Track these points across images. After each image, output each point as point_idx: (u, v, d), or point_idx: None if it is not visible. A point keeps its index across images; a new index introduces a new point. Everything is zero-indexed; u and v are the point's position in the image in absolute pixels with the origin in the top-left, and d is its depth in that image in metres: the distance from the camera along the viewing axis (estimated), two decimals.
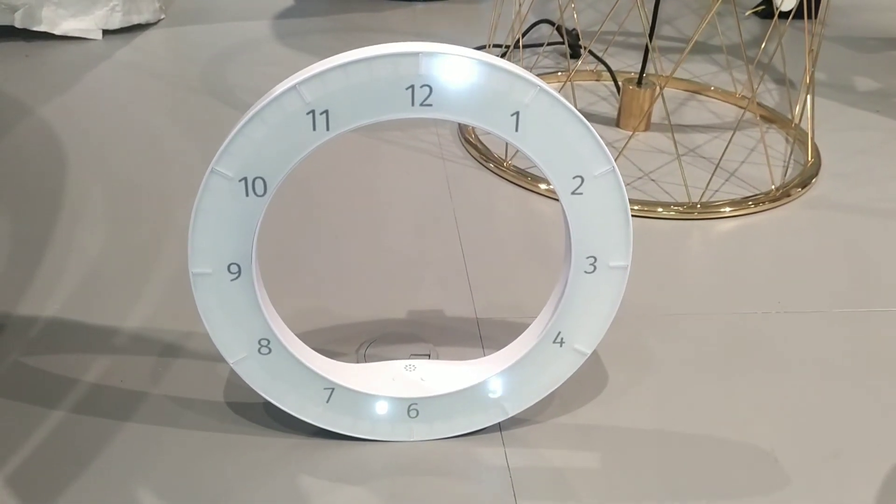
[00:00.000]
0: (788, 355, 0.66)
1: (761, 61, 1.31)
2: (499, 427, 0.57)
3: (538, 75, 1.19)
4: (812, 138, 0.97)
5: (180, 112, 1.04)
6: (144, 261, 0.73)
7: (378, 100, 0.45)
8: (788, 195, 0.89)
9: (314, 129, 0.46)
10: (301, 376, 0.53)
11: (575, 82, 1.19)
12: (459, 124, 1.01)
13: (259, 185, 0.47)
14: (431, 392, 0.55)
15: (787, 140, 1.04)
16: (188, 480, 0.52)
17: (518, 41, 1.12)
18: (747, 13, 1.54)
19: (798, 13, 1.35)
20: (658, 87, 1.01)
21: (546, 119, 0.47)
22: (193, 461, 0.53)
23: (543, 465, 0.55)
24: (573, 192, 0.49)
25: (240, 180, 0.46)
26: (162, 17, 1.35)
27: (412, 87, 0.45)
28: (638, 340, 0.67)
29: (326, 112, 0.45)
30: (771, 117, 1.09)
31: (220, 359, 0.52)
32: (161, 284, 0.70)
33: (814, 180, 0.93)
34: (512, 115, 0.47)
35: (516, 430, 0.57)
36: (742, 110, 1.13)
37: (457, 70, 0.45)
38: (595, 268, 0.51)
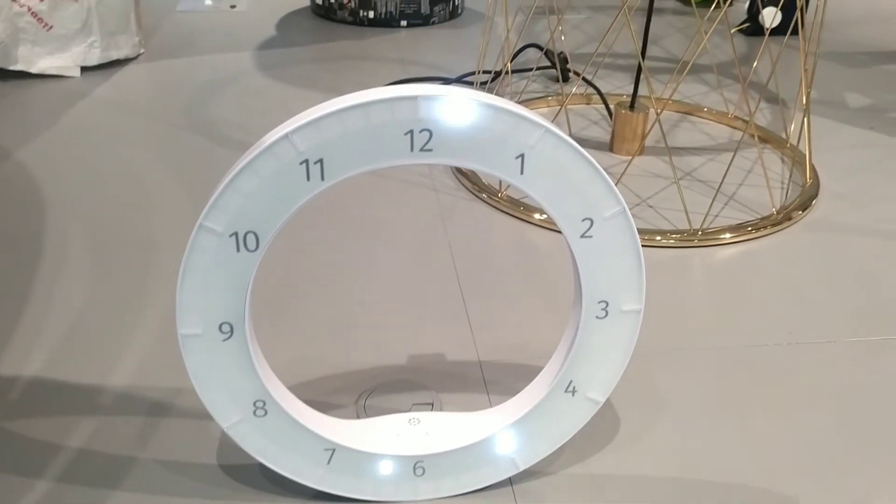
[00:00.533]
0: (805, 389, 0.63)
1: (752, 80, 1.30)
2: (509, 481, 0.54)
3: (528, 101, 1.17)
4: (810, 159, 0.96)
5: (164, 150, 1.01)
6: (130, 312, 0.70)
7: (375, 146, 0.43)
8: (790, 218, 0.87)
9: (308, 178, 0.43)
10: (300, 438, 0.50)
11: (570, 105, 1.17)
12: None
13: (251, 240, 0.44)
14: (438, 448, 0.52)
15: (782, 160, 1.02)
16: None
17: (507, 66, 1.10)
18: (732, 31, 1.53)
19: (782, 28, 1.34)
20: (655, 112, 1.00)
21: (552, 160, 0.44)
22: None
23: None
24: (582, 236, 0.46)
25: (230, 235, 0.44)
26: (142, 51, 1.32)
27: (411, 132, 0.43)
28: (647, 379, 0.64)
29: (321, 161, 0.43)
30: (765, 137, 1.07)
31: (211, 417, 0.49)
32: (148, 338, 0.67)
33: (814, 202, 0.91)
34: (517, 157, 0.44)
35: (527, 484, 0.54)
36: (734, 130, 1.11)
37: (457, 113, 0.43)
38: (607, 313, 0.49)
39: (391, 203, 0.90)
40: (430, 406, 0.60)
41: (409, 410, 0.57)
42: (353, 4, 1.46)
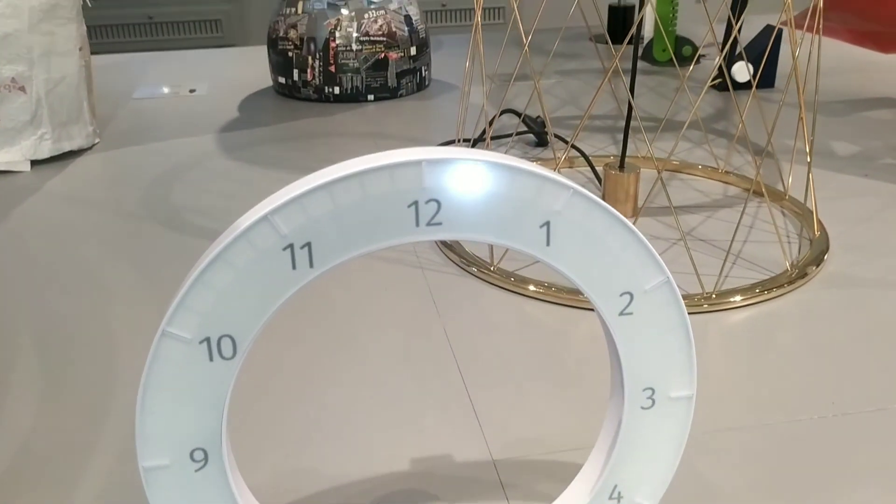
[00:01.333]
0: (863, 467, 0.56)
1: (732, 133, 1.26)
2: None
3: None
4: (816, 212, 0.90)
5: (122, 244, 0.93)
6: (86, 435, 0.61)
7: (374, 223, 0.36)
8: (805, 275, 0.81)
9: (294, 267, 0.36)
10: None
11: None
12: None
13: (227, 346, 0.36)
14: None
15: (783, 213, 0.97)
16: None
17: (484, 131, 1.05)
18: (706, 86, 1.50)
19: (752, 82, 1.31)
20: (655, 170, 0.94)
21: (583, 227, 0.37)
22: None
23: None
24: (622, 313, 0.39)
25: (201, 342, 0.36)
26: (96, 141, 1.25)
27: (416, 203, 0.36)
28: (688, 469, 0.56)
29: (309, 245, 0.35)
30: (760, 190, 1.02)
31: None
32: (106, 465, 0.58)
33: (826, 256, 0.85)
34: (542, 226, 0.37)
35: None
36: (727, 185, 1.06)
37: (470, 178, 0.36)
38: (654, 401, 0.41)
39: (375, 285, 0.82)
40: None
41: None
42: (317, 81, 1.41)
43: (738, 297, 0.77)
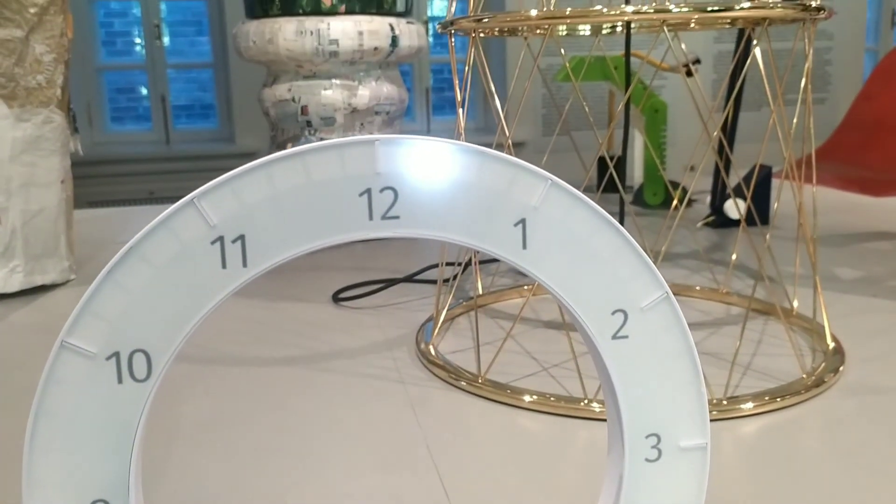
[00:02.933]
0: None
1: (735, 264, 1.22)
2: None
3: (499, 291, 1.07)
4: (828, 323, 0.85)
5: None
6: None
7: (320, 215, 0.30)
8: (822, 382, 0.74)
9: (224, 265, 0.30)
10: None
11: (539, 296, 1.07)
12: (418, 344, 0.86)
13: (140, 364, 0.30)
14: None
15: (792, 329, 0.91)
16: None
17: (472, 260, 1.01)
18: (699, 224, 1.49)
19: (749, 220, 1.29)
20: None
21: (564, 227, 0.32)
22: None
23: None
24: (615, 336, 0.33)
25: (108, 358, 0.30)
26: (72, 277, 1.21)
27: (368, 192, 0.31)
28: None
29: (242, 239, 0.30)
30: (766, 309, 0.97)
31: None
32: None
33: (841, 368, 0.78)
34: (516, 224, 0.32)
35: None
36: (729, 306, 1.01)
37: (431, 163, 0.31)
38: (660, 452, 0.34)
39: (350, 401, 0.75)
40: None
41: None
42: None
43: (749, 405, 0.70)
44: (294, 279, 1.21)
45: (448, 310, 0.97)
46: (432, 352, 0.84)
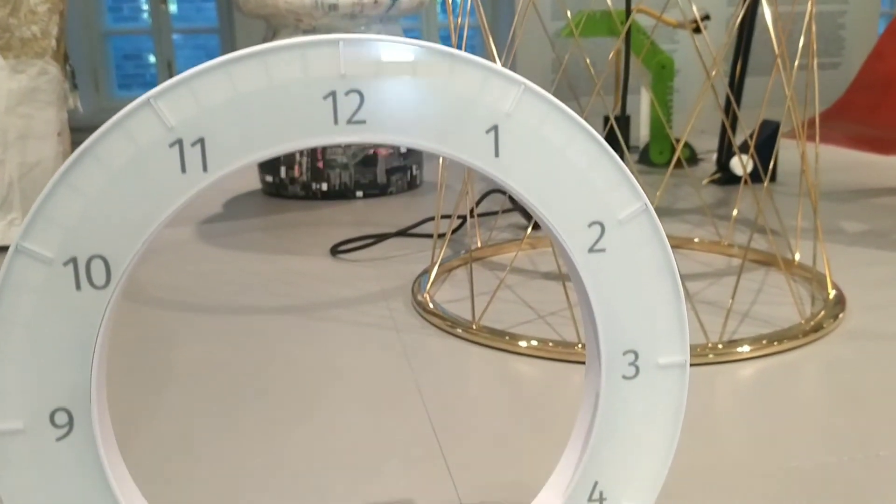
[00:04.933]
0: None
1: (738, 218, 1.21)
2: None
3: (498, 244, 1.06)
4: (829, 272, 0.83)
5: None
6: None
7: (282, 118, 0.29)
8: (821, 328, 0.73)
9: (183, 170, 0.29)
10: None
11: (539, 249, 1.06)
12: (414, 295, 0.85)
13: (98, 270, 0.29)
14: None
15: (792, 280, 0.90)
16: None
17: (472, 211, 1.00)
18: (704, 182, 1.47)
19: (755, 175, 1.27)
20: None
21: (538, 135, 0.31)
22: None
23: None
24: (591, 249, 0.32)
25: (65, 263, 0.29)
26: None
27: (333, 94, 0.30)
28: None
29: (202, 142, 0.29)
30: (768, 260, 0.96)
31: None
32: None
33: (841, 315, 0.77)
34: (488, 131, 0.31)
35: None
36: (731, 258, 0.99)
37: (399, 66, 0.30)
38: (637, 369, 0.34)
39: (343, 347, 0.75)
40: None
41: None
42: (304, 178, 1.38)
43: (746, 348, 0.69)
44: (292, 233, 1.21)
45: (445, 262, 0.96)
46: (428, 301, 0.83)
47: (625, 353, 0.33)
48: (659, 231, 0.33)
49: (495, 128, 0.31)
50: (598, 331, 0.33)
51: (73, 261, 0.29)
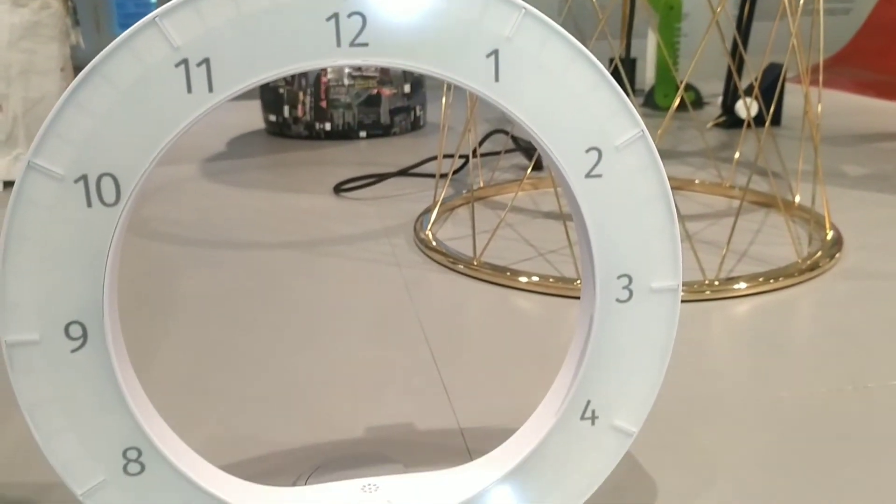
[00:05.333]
0: (891, 436, 0.48)
1: (739, 161, 1.21)
2: None
3: (500, 184, 1.07)
4: (828, 212, 0.84)
5: None
6: None
7: (286, 40, 0.30)
8: (817, 266, 0.74)
9: (189, 90, 0.30)
10: None
11: (541, 190, 1.06)
12: (416, 232, 0.86)
13: (108, 188, 0.30)
14: None
15: (791, 221, 0.90)
16: None
17: (475, 151, 1.00)
18: (709, 125, 1.46)
19: (759, 120, 1.27)
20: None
21: (538, 60, 0.32)
22: None
23: None
24: (588, 175, 0.33)
25: (76, 181, 0.30)
26: None
27: (336, 16, 0.30)
28: (685, 437, 0.49)
29: (207, 62, 0.30)
30: (768, 202, 0.96)
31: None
32: (11, 426, 0.51)
33: (838, 255, 0.78)
34: (489, 55, 0.31)
35: None
36: (732, 200, 1.00)
37: None
38: (631, 293, 0.35)
39: (346, 281, 0.76)
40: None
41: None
42: (308, 117, 1.38)
43: (742, 285, 0.70)
44: (295, 172, 1.21)
45: (447, 201, 0.97)
46: (430, 238, 0.84)
47: (619, 277, 0.34)
48: (655, 158, 0.33)
49: (496, 52, 0.31)
50: (594, 255, 0.34)
51: (84, 178, 0.30)
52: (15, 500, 0.43)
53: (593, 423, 0.36)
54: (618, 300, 0.35)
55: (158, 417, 0.34)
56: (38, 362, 0.31)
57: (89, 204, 0.30)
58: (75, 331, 0.31)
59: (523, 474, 0.36)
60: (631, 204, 0.34)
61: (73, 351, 0.31)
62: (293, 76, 1.38)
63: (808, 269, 0.73)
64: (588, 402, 0.35)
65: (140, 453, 0.32)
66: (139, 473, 0.33)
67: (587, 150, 0.33)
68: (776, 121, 1.44)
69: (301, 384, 0.56)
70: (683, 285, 0.69)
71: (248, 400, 0.54)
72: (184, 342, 0.63)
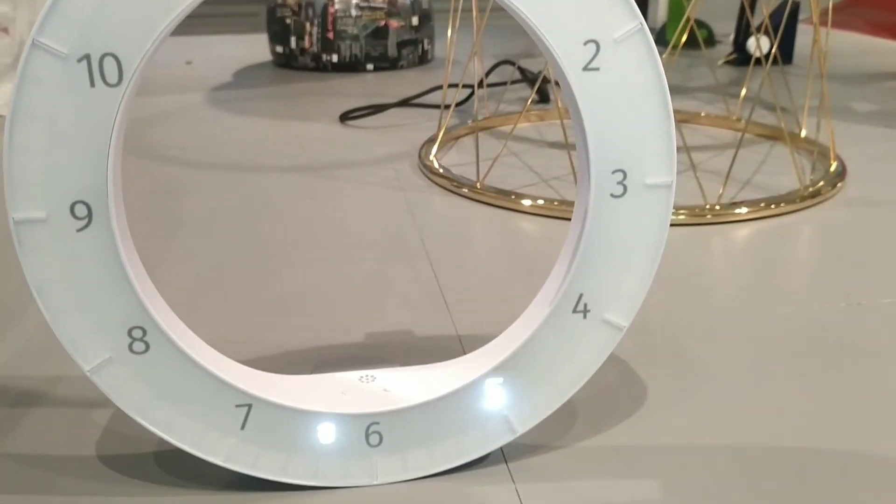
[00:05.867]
0: (881, 349, 0.49)
1: (747, 96, 1.20)
2: (502, 457, 0.39)
3: (506, 114, 1.06)
4: (832, 141, 0.84)
5: None
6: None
7: None
8: (819, 194, 0.74)
9: None
10: (199, 386, 0.35)
11: (547, 122, 1.06)
12: (421, 158, 0.87)
13: (111, 69, 0.31)
14: (399, 403, 0.37)
15: (797, 153, 0.90)
16: None
17: (481, 81, 1.00)
18: (720, 62, 1.45)
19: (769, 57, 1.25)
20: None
21: None
22: None
23: (574, 501, 0.36)
24: (586, 68, 0.33)
25: (79, 60, 0.30)
26: None
27: None
28: (676, 345, 0.50)
29: None
30: (775, 135, 0.96)
31: (98, 403, 0.35)
32: (24, 324, 0.52)
33: (840, 184, 0.78)
34: None
35: (529, 461, 0.39)
36: (738, 133, 1.00)
37: None
38: (625, 188, 0.35)
39: (351, 202, 0.77)
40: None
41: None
42: (315, 49, 1.37)
43: (743, 210, 0.70)
44: (302, 102, 1.21)
45: (452, 130, 0.97)
46: (434, 163, 0.85)
47: (613, 172, 0.35)
48: (653, 52, 0.34)
49: None
50: (589, 149, 0.34)
51: (87, 58, 0.30)
52: (24, 391, 0.45)
53: (585, 317, 0.37)
54: (612, 195, 0.35)
55: (162, 300, 0.35)
56: (45, 240, 0.32)
57: (92, 84, 0.30)
58: (80, 210, 0.32)
59: (515, 365, 0.37)
60: (627, 98, 0.34)
61: (79, 230, 0.32)
62: (299, 6, 1.37)
63: (809, 197, 0.73)
64: (580, 296, 0.36)
65: (144, 332, 0.33)
66: (144, 352, 0.34)
67: (585, 43, 0.33)
68: (787, 59, 1.42)
69: (304, 294, 0.57)
70: (685, 209, 0.69)
71: (254, 307, 0.55)
72: (190, 255, 0.64)
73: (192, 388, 0.34)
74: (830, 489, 0.37)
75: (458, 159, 0.89)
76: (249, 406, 0.35)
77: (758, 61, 1.37)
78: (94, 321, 0.33)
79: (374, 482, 0.37)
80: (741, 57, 1.42)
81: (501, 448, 0.39)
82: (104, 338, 0.33)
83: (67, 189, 0.31)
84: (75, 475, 0.38)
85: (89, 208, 0.32)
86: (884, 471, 0.38)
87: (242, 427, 0.35)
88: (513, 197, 0.74)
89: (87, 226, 0.32)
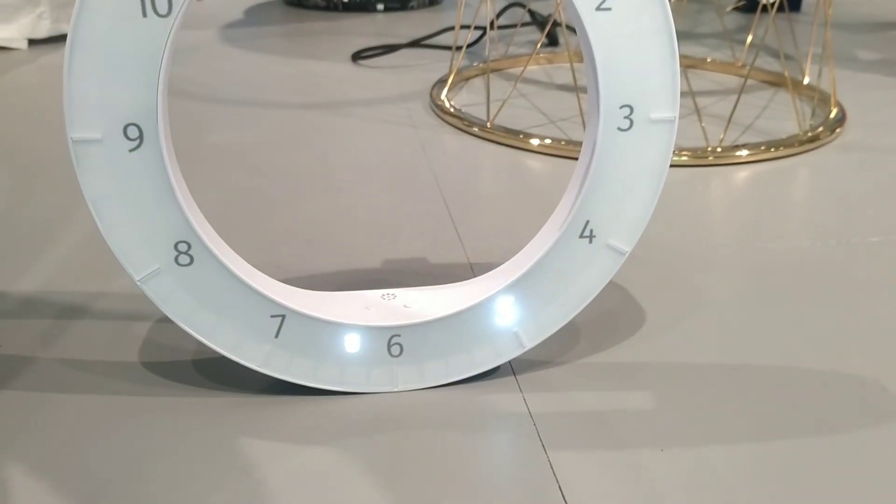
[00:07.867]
0: (867, 282, 0.52)
1: (754, 43, 1.21)
2: (511, 370, 0.42)
3: (515, 57, 1.08)
4: (833, 87, 0.86)
5: None
6: (47, 218, 0.59)
7: None
8: (817, 138, 0.77)
9: None
10: (238, 298, 0.38)
11: (556, 64, 1.08)
12: (432, 98, 0.89)
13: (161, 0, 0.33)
14: (418, 318, 0.40)
15: (798, 100, 0.92)
16: (77, 455, 0.36)
17: (492, 23, 1.01)
18: (729, 8, 1.46)
19: (780, 7, 1.26)
20: None
21: None
22: (91, 430, 0.38)
23: (576, 409, 0.40)
24: (599, 7, 0.36)
25: None
26: None
27: None
28: (676, 274, 0.53)
29: None
30: (778, 81, 0.98)
31: (138, 317, 0.38)
32: (67, 243, 0.55)
33: (839, 130, 0.81)
34: None
35: (535, 374, 0.42)
36: (743, 79, 1.02)
37: None
38: (632, 122, 0.38)
39: (365, 139, 0.79)
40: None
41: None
42: None
43: (744, 152, 0.73)
44: (313, 41, 1.22)
45: (463, 71, 0.99)
46: (445, 103, 0.87)
47: (621, 107, 0.38)
48: None
49: None
50: (599, 85, 0.37)
51: None
52: (68, 305, 0.48)
53: (591, 242, 0.40)
54: (619, 129, 0.38)
55: (204, 218, 0.38)
56: (100, 159, 0.35)
57: (144, 14, 0.33)
58: (132, 132, 0.35)
59: (525, 285, 0.40)
60: (636, 37, 0.37)
61: (131, 151, 0.35)
62: None
63: (808, 141, 0.76)
64: (587, 222, 0.39)
65: (189, 246, 0.37)
66: (189, 265, 0.37)
67: None
68: (796, 6, 1.43)
69: (323, 224, 0.60)
70: (688, 151, 0.72)
71: (276, 234, 0.59)
72: (208, 187, 0.67)
73: (232, 299, 0.38)
74: (811, 403, 0.40)
75: (468, 99, 0.92)
76: (283, 317, 0.39)
77: (765, 8, 1.38)
78: (144, 235, 0.36)
79: (395, 389, 0.41)
80: (750, 3, 1.43)
81: (510, 362, 0.42)
82: (153, 250, 0.36)
83: (121, 112, 0.34)
84: (120, 378, 0.42)
85: (140, 130, 0.35)
86: (859, 388, 0.41)
87: (277, 335, 0.39)
88: (521, 136, 0.77)
89: (138, 146, 0.35)
